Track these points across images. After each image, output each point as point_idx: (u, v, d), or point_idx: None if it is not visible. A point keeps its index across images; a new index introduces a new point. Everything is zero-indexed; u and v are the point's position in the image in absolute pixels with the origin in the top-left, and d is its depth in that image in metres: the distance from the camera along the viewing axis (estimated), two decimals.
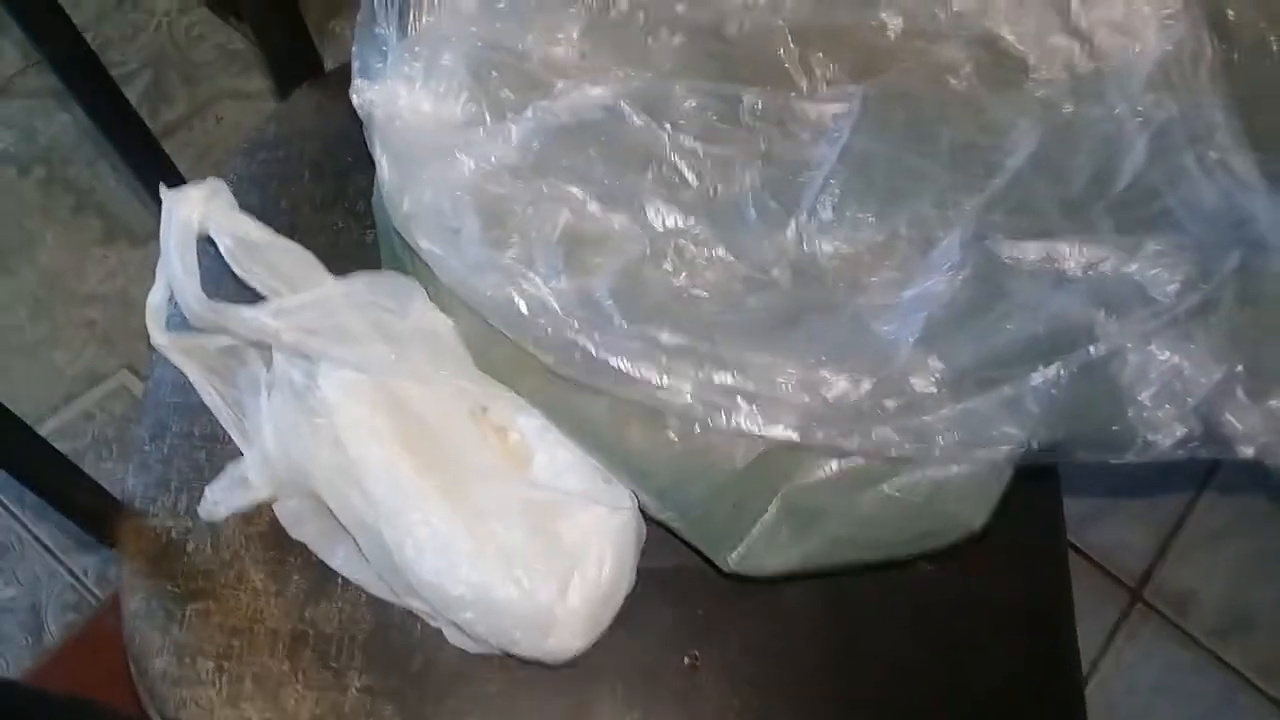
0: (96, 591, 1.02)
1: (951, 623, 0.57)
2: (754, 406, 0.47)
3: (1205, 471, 1.09)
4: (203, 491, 0.57)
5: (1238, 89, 0.55)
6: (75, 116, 1.24)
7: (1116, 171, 0.54)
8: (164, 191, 0.56)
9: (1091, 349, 0.47)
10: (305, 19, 0.72)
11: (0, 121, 1.24)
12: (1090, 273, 0.50)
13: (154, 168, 0.70)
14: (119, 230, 1.18)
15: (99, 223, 1.19)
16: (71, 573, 1.03)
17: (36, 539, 1.04)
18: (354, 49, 0.53)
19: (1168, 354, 0.47)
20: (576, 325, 0.47)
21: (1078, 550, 1.04)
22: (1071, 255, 0.50)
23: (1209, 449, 0.46)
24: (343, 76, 0.56)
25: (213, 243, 0.57)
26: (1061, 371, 0.47)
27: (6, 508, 1.04)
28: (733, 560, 0.50)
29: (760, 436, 0.47)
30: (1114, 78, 0.57)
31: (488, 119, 0.52)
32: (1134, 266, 0.49)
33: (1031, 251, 0.50)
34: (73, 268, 1.16)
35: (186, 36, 1.31)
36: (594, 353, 0.47)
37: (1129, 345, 0.47)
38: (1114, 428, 0.46)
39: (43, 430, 1.07)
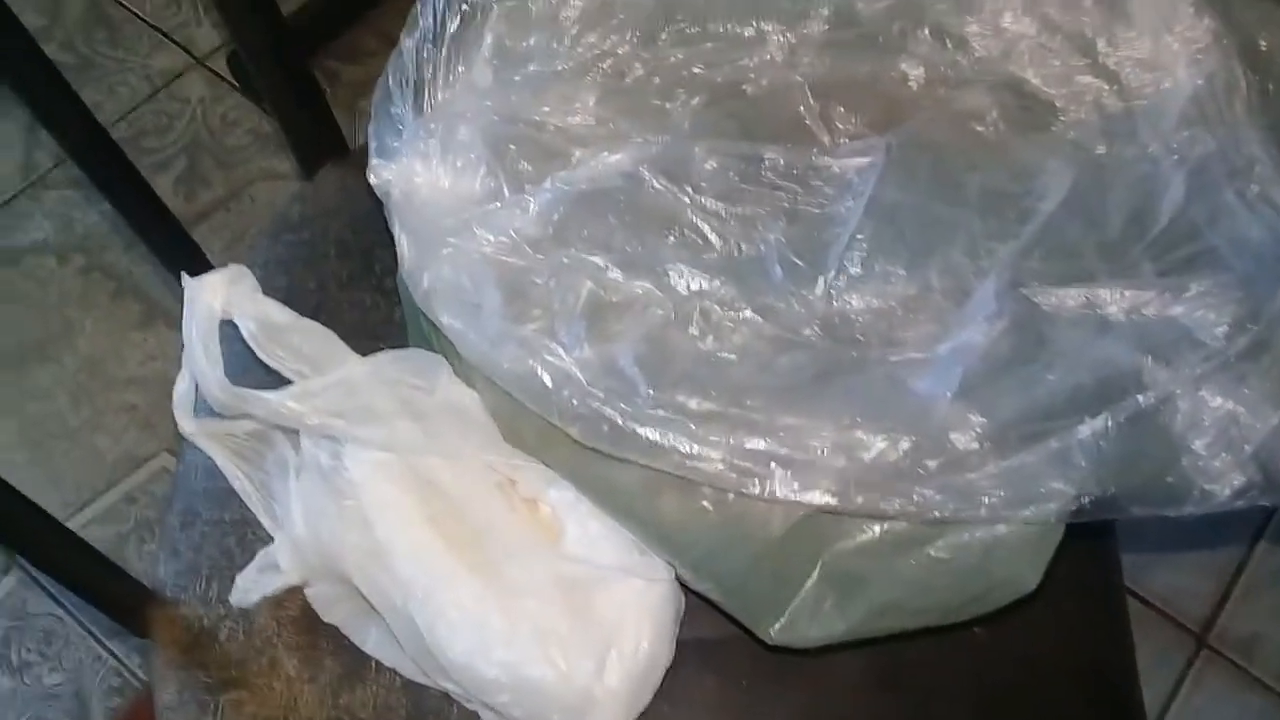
0: (141, 674, 1.01)
1: (1010, 687, 0.55)
2: (789, 472, 0.45)
3: (1265, 512, 1.05)
4: (234, 578, 0.56)
5: (1275, 119, 0.54)
6: (111, 206, 1.26)
7: (1155, 211, 0.53)
8: (185, 280, 0.56)
9: (1140, 397, 0.45)
10: (332, 99, 0.72)
11: (39, 213, 1.26)
12: (1134, 317, 0.48)
13: (184, 254, 0.70)
14: (157, 313, 1.19)
15: (137, 307, 1.20)
16: (116, 656, 1.02)
17: (80, 623, 1.03)
18: (370, 129, 0.53)
19: (1220, 399, 0.45)
20: (602, 396, 0.46)
21: (1139, 598, 1.02)
22: (1113, 300, 0.48)
23: (1270, 496, 0.43)
24: (366, 154, 0.56)
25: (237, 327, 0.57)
26: (1110, 422, 0.45)
27: (52, 596, 1.05)
28: (775, 632, 0.48)
29: (797, 502, 0.46)
30: (1146, 115, 0.56)
31: (506, 192, 0.52)
32: (1179, 309, 0.48)
33: (1071, 298, 0.49)
34: (112, 352, 1.18)
35: (221, 122, 1.33)
36: (620, 423, 0.46)
37: (1179, 392, 0.45)
38: (1168, 479, 0.44)
39: (85, 515, 1.08)
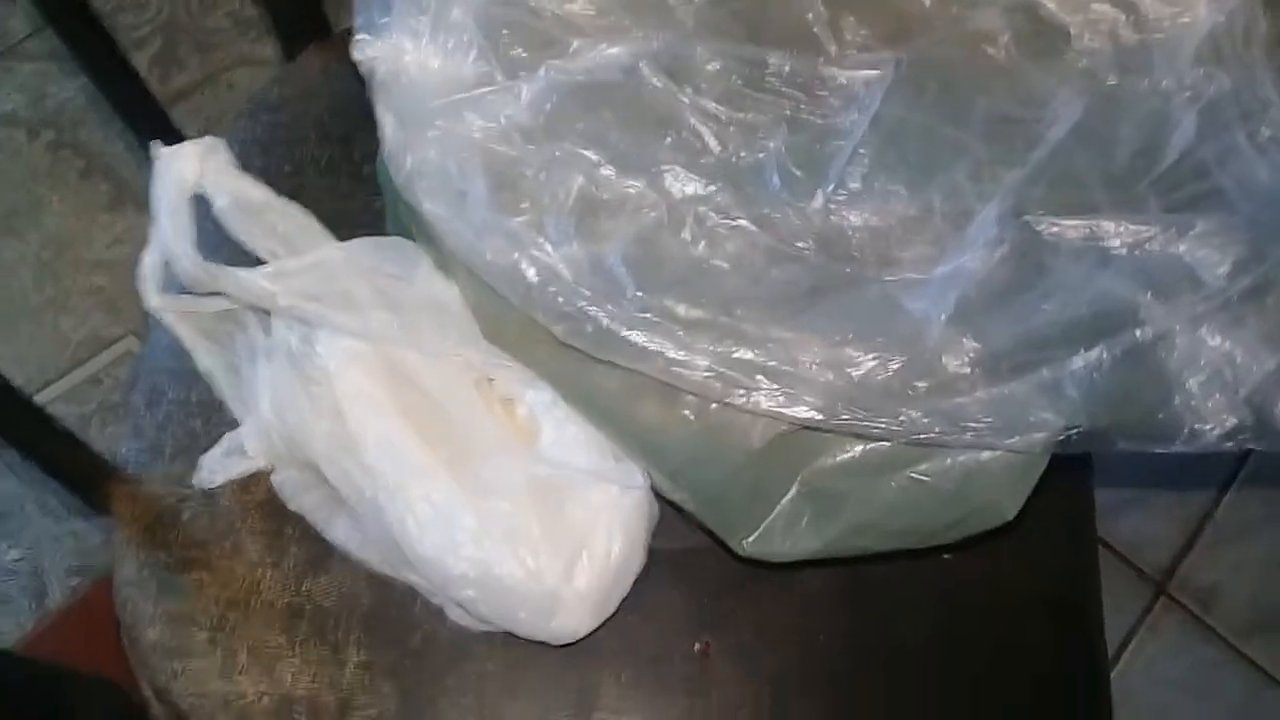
0: (100, 557, 1.00)
1: (975, 611, 0.55)
2: (775, 384, 0.44)
3: (1235, 464, 1.06)
4: (198, 459, 0.55)
5: None
6: (86, 81, 1.21)
7: (1163, 147, 0.51)
8: (157, 148, 0.54)
9: (1137, 332, 0.44)
10: None
11: (10, 85, 1.22)
12: (1136, 252, 0.47)
13: (159, 133, 0.67)
14: (128, 195, 1.16)
15: (107, 187, 1.17)
16: (76, 537, 1.01)
17: (41, 503, 1.02)
18: (357, 3, 0.51)
19: (1218, 339, 0.44)
20: (588, 294, 0.45)
21: (1103, 542, 1.02)
22: (1116, 233, 0.47)
23: (1260, 441, 0.43)
24: (350, 37, 0.54)
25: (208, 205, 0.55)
26: (1104, 355, 0.44)
27: (13, 471, 1.03)
28: (748, 545, 0.48)
29: (781, 416, 0.45)
30: (1161, 49, 0.54)
31: (498, 78, 0.50)
32: (1182, 246, 0.47)
33: (1073, 228, 0.48)
34: (80, 232, 1.14)
35: (199, 3, 1.28)
36: (606, 324, 0.45)
37: (1177, 329, 0.44)
38: (1159, 416, 0.44)
39: (48, 395, 1.06)
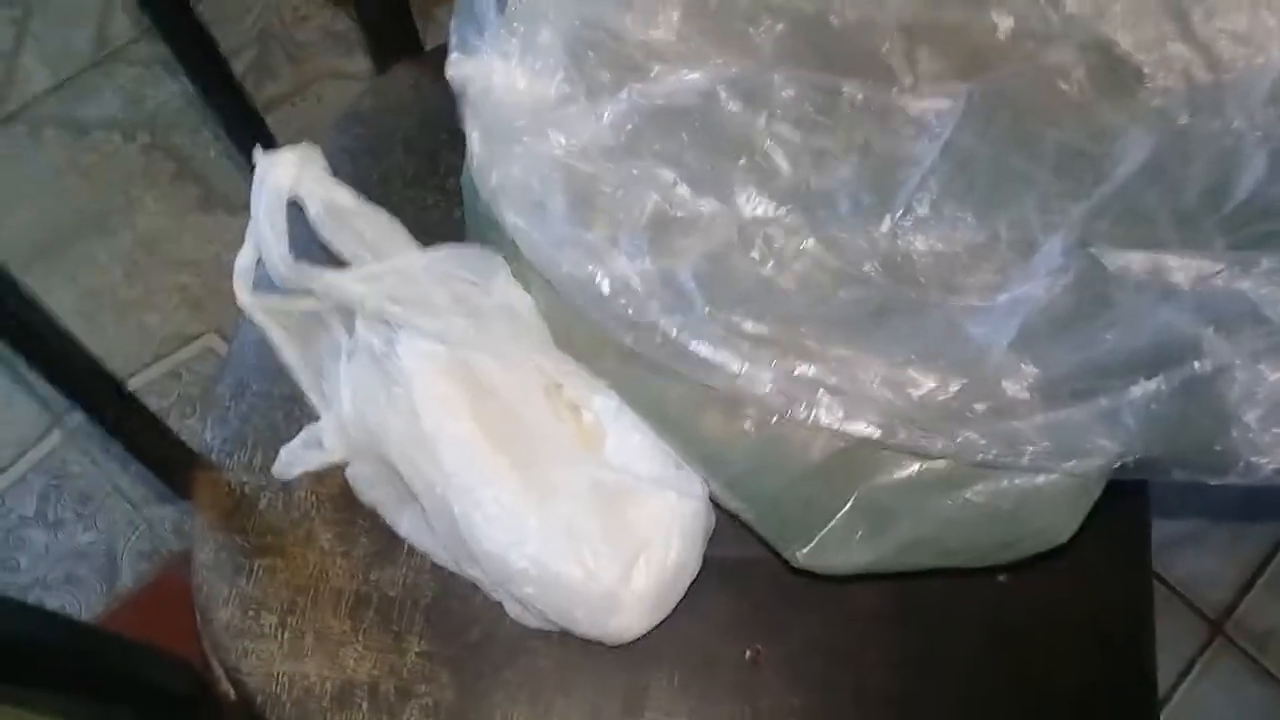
0: (172, 542, 1.04)
1: (1026, 636, 0.55)
2: (836, 400, 0.46)
3: None
4: (278, 450, 0.58)
5: None
6: (182, 86, 1.27)
7: (1232, 186, 0.52)
8: (258, 154, 0.57)
9: (1196, 365, 0.45)
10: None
11: (110, 88, 1.28)
12: (1199, 287, 0.47)
13: (254, 138, 0.71)
14: (216, 199, 1.21)
15: (197, 190, 1.21)
16: (149, 523, 1.05)
17: (118, 489, 1.06)
18: (452, 23, 0.53)
19: (1278, 374, 0.44)
20: (658, 307, 0.47)
21: (1159, 579, 1.02)
22: (1180, 267, 0.48)
23: None
24: (440, 55, 0.56)
25: (302, 209, 0.58)
26: (1163, 386, 0.45)
27: (92, 458, 1.07)
28: (802, 556, 0.49)
29: (840, 432, 0.46)
30: (1233, 90, 0.55)
31: (582, 98, 0.52)
32: (1247, 283, 0.47)
33: (1138, 262, 0.48)
34: (169, 232, 1.19)
35: (294, 16, 1.33)
36: (674, 335, 0.46)
37: (1237, 363, 0.45)
38: (1215, 448, 0.44)
39: (131, 386, 1.09)
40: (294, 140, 0.60)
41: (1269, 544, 1.04)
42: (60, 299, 1.14)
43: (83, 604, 1.01)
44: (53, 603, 1.01)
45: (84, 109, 1.26)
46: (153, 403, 1.09)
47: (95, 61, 1.29)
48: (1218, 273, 0.48)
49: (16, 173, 1.22)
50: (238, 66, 1.28)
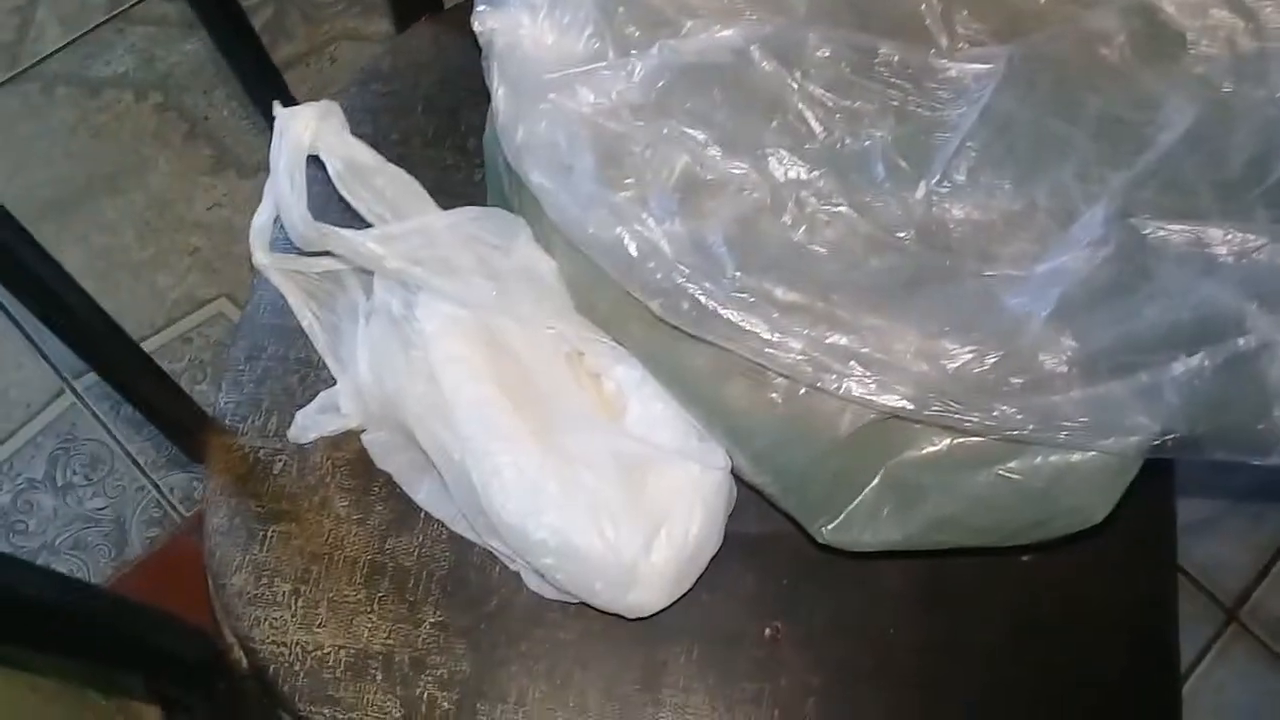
0: (181, 509, 1.03)
1: (1051, 623, 0.54)
2: (867, 371, 0.44)
3: None
4: (294, 415, 0.57)
5: None
6: (195, 46, 1.25)
7: (1276, 157, 0.50)
8: (277, 109, 0.56)
9: (1240, 341, 0.44)
10: None
11: (122, 46, 1.26)
12: (1243, 261, 0.46)
13: (272, 97, 0.69)
14: (229, 160, 1.19)
15: (209, 152, 1.20)
16: (159, 488, 1.04)
17: (128, 454, 1.06)
18: None
19: None
20: (687, 271, 0.45)
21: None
22: (1223, 241, 0.46)
23: None
24: (462, 14, 0.55)
25: (322, 167, 0.56)
26: (1205, 362, 0.43)
27: (102, 422, 1.07)
28: (828, 532, 0.48)
29: (871, 404, 0.45)
30: (1278, 59, 0.53)
31: (611, 55, 0.50)
32: None
33: (1180, 234, 0.47)
34: (181, 194, 1.18)
35: None
36: (703, 301, 0.45)
37: None
38: (1258, 427, 0.43)
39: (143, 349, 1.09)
40: (306, 101, 0.59)
41: None
42: (71, 259, 1.13)
43: (91, 569, 1.01)
44: (60, 568, 1.01)
45: (97, 67, 1.25)
46: (164, 366, 1.09)
47: (108, 19, 1.28)
48: (1261, 246, 0.46)
49: (29, 130, 1.21)
50: (253, 25, 1.26)
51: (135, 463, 1.06)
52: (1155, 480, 0.55)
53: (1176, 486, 0.59)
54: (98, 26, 1.27)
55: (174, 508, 1.04)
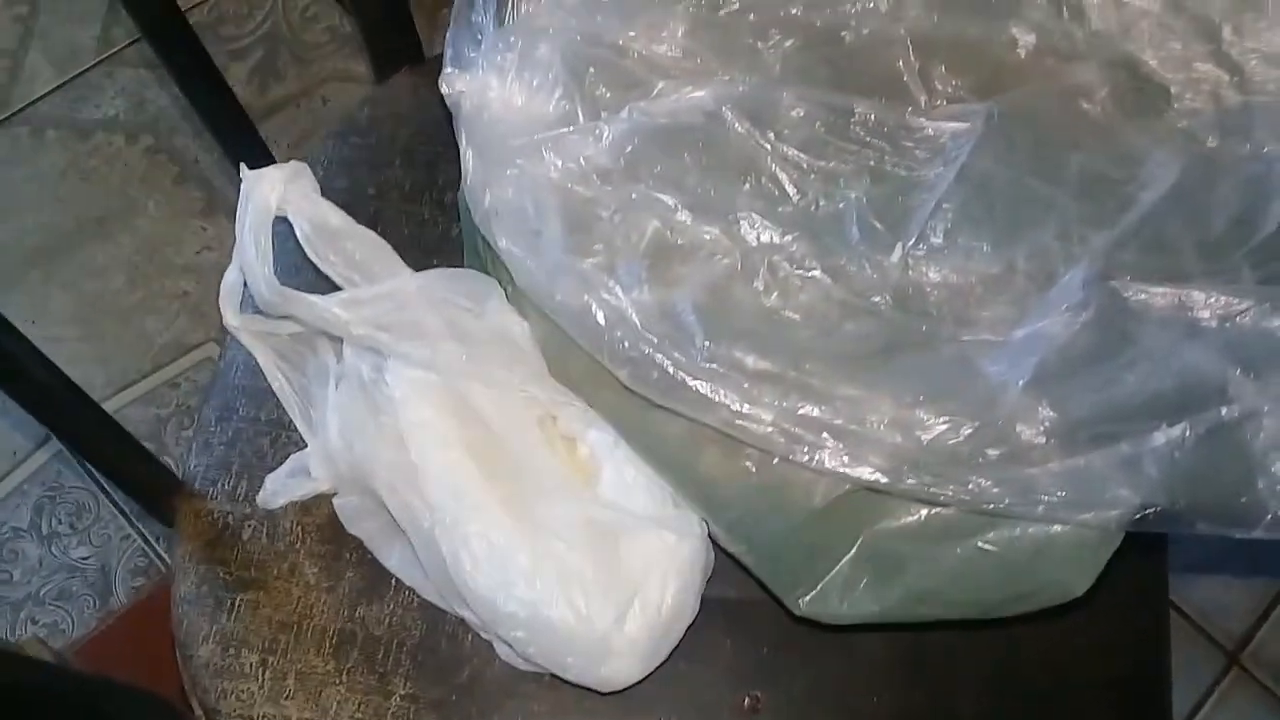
0: (166, 559, 1.02)
1: (1037, 687, 0.53)
2: (840, 443, 0.43)
3: None
4: (264, 478, 0.56)
5: None
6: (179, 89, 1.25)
7: (1262, 215, 0.49)
8: (244, 171, 0.55)
9: (1223, 410, 0.43)
10: (415, 3, 0.70)
11: (112, 89, 1.26)
12: (1227, 325, 0.45)
13: (248, 146, 0.69)
14: (219, 203, 1.19)
15: (200, 195, 1.20)
16: (144, 537, 1.03)
17: (113, 502, 1.05)
18: (448, 35, 0.51)
19: None
20: (655, 340, 0.44)
21: (1175, 609, 0.99)
22: (1207, 304, 0.45)
23: None
24: (442, 64, 0.54)
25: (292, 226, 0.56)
26: (1188, 432, 0.42)
27: (87, 470, 1.06)
28: (804, 604, 0.47)
29: (843, 476, 0.44)
30: (1265, 113, 0.53)
31: (580, 117, 0.49)
32: (1276, 321, 0.44)
33: (1163, 296, 0.46)
34: (171, 237, 1.17)
35: (301, 17, 1.31)
36: (671, 371, 0.44)
37: (1265, 409, 0.42)
38: (1241, 499, 0.41)
39: (128, 395, 1.08)
40: (297, 144, 0.58)
41: None
42: (60, 304, 1.13)
43: (75, 620, 0.99)
44: (45, 618, 1.00)
45: (87, 110, 1.25)
46: (150, 413, 1.08)
47: (99, 61, 1.28)
48: (1246, 309, 0.45)
49: (18, 174, 1.21)
50: (243, 68, 1.26)
51: (121, 510, 1.04)
52: (1147, 541, 0.53)
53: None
54: (88, 69, 1.27)
55: (159, 557, 1.02)
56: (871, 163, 0.50)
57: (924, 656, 0.52)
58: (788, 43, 0.53)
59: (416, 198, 0.65)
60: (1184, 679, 0.97)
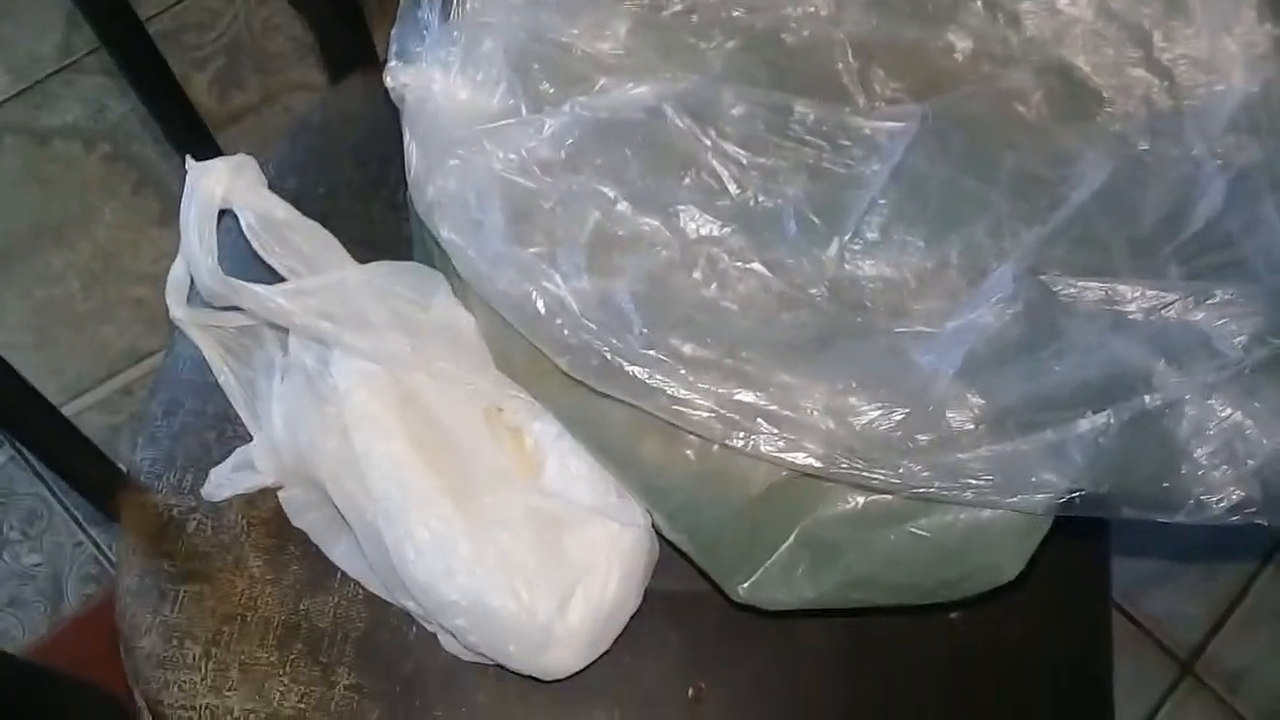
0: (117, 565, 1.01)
1: (981, 673, 0.54)
2: (776, 428, 0.44)
3: (1269, 544, 1.03)
4: (209, 472, 0.56)
5: None
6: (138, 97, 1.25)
7: (1189, 214, 0.51)
8: (189, 163, 0.55)
9: (1147, 399, 0.44)
10: (366, 6, 0.71)
11: (71, 97, 1.25)
12: (1152, 318, 0.46)
13: (205, 155, 0.69)
14: (176, 212, 1.18)
15: (157, 204, 1.19)
16: (96, 544, 1.02)
17: (66, 508, 1.04)
18: (393, 30, 0.52)
19: (1230, 410, 0.43)
20: (594, 328, 0.45)
21: (1129, 618, 1.00)
22: (1133, 298, 0.47)
23: (1268, 516, 0.42)
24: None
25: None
26: (1112, 420, 0.43)
27: (40, 477, 1.05)
28: (743, 591, 0.47)
29: (780, 461, 0.44)
30: (1194, 116, 0.54)
31: (523, 111, 0.50)
32: (1200, 315, 0.46)
33: (1090, 290, 0.47)
34: (128, 245, 1.17)
35: (263, 26, 1.32)
36: (609, 358, 0.45)
37: (1188, 398, 0.44)
38: (1164, 485, 0.43)
39: (82, 402, 1.08)
40: (257, 151, 0.58)
41: (1240, 583, 1.02)
42: (15, 310, 1.12)
43: (26, 627, 0.98)
44: None
45: (45, 117, 1.24)
46: (104, 420, 1.07)
47: (59, 69, 1.27)
48: (1171, 303, 0.46)
49: None
50: (204, 77, 1.26)
51: (73, 517, 1.04)
52: (1087, 530, 0.54)
53: (1128, 539, 0.59)
54: (48, 77, 1.26)
55: (111, 564, 1.02)
56: (810, 160, 0.51)
57: (866, 645, 0.53)
58: (729, 43, 0.54)
59: (368, 196, 0.65)
60: (1139, 689, 0.98)
